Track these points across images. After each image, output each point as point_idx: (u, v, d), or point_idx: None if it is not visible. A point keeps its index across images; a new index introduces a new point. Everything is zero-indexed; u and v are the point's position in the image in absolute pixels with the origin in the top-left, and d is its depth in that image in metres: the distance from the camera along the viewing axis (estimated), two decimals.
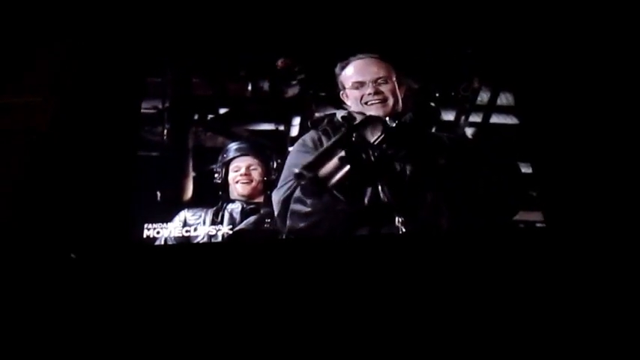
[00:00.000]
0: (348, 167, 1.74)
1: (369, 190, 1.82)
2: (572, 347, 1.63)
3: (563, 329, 1.67)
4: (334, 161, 1.75)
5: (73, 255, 1.79)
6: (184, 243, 1.86)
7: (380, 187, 1.83)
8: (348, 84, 2.00)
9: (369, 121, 1.89)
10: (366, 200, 1.81)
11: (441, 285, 1.76)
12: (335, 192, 1.76)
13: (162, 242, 1.86)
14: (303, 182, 1.74)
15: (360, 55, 2.03)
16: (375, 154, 1.81)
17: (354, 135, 1.81)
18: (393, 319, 1.70)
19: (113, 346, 1.65)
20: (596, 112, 2.05)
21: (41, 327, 1.67)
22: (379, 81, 1.98)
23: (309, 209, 1.80)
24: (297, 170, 1.76)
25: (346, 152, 1.75)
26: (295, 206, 1.82)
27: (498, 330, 1.67)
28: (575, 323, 1.68)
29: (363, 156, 1.79)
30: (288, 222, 1.83)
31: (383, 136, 1.85)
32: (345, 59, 2.02)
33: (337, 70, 2.03)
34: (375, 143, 1.83)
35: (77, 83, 2.14)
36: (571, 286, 1.74)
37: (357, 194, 1.80)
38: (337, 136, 1.82)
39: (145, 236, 1.86)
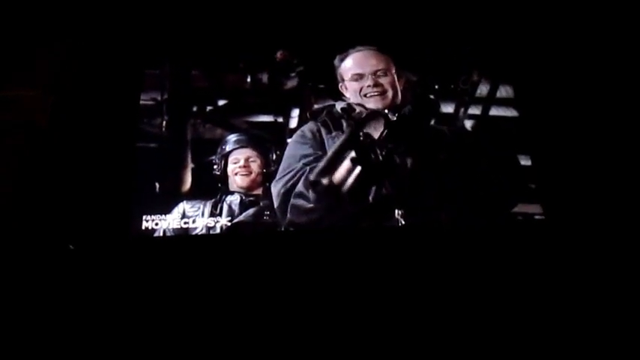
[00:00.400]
0: (359, 169, 1.75)
1: (373, 189, 1.82)
2: (571, 339, 1.64)
3: (562, 321, 1.67)
4: (347, 163, 1.75)
5: (71, 246, 1.79)
6: (183, 235, 1.86)
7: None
8: (347, 76, 1.99)
9: (371, 116, 1.88)
10: (370, 198, 1.82)
11: (440, 277, 1.76)
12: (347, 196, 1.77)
13: (161, 234, 1.86)
14: (319, 189, 1.75)
15: (359, 48, 2.02)
16: (383, 152, 1.81)
17: (361, 134, 1.81)
18: (392, 311, 1.70)
19: (111, 337, 1.66)
20: (595, 104, 2.05)
21: (40, 318, 1.67)
22: (378, 73, 1.97)
23: (311, 205, 1.80)
24: (312, 178, 1.76)
25: (356, 153, 1.76)
26: (297, 201, 1.82)
27: (497, 321, 1.68)
28: (574, 315, 1.68)
29: (372, 156, 1.79)
30: (288, 215, 1.83)
31: (386, 131, 1.85)
32: (344, 51, 2.02)
33: (336, 62, 2.02)
34: (381, 139, 1.83)
35: (76, 76, 2.14)
36: (570, 278, 1.75)
37: (363, 194, 1.81)
38: (345, 136, 1.82)
39: (143, 228, 1.85)
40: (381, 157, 1.79)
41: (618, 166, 1.93)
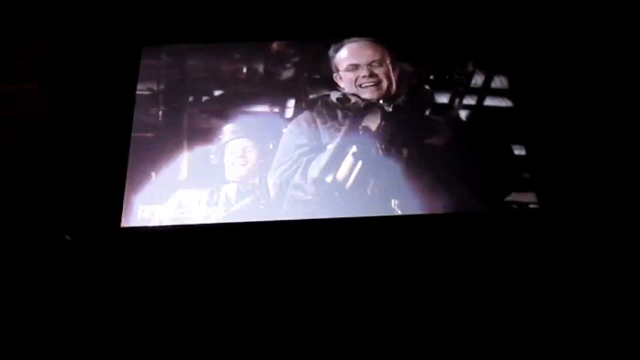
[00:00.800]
0: (361, 164, 1.76)
1: (371, 182, 1.83)
2: (564, 326, 1.65)
3: (556, 308, 1.68)
4: (349, 159, 1.77)
5: (67, 237, 1.79)
6: (179, 224, 1.86)
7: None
8: (342, 66, 2.01)
9: (368, 108, 1.90)
10: (368, 191, 1.83)
11: (435, 266, 1.77)
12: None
13: (157, 223, 1.86)
14: (322, 186, 1.77)
15: (355, 38, 2.04)
16: (382, 146, 1.82)
17: (360, 128, 1.83)
18: (388, 301, 1.71)
19: (107, 325, 1.66)
20: (588, 94, 2.06)
21: (38, 308, 1.68)
22: (373, 64, 1.99)
23: (308, 197, 1.82)
24: (315, 175, 1.77)
25: (357, 148, 1.77)
26: (294, 192, 1.83)
27: (492, 309, 1.69)
28: (568, 302, 1.69)
29: (373, 150, 1.80)
30: (284, 206, 1.84)
31: (383, 122, 1.86)
32: (339, 42, 2.03)
33: (331, 52, 2.04)
34: (378, 130, 1.84)
35: (72, 67, 2.14)
36: (563, 265, 1.76)
37: (362, 186, 1.82)
38: (344, 132, 1.83)
39: (139, 217, 1.86)
40: (380, 151, 1.81)
41: (611, 155, 1.94)
